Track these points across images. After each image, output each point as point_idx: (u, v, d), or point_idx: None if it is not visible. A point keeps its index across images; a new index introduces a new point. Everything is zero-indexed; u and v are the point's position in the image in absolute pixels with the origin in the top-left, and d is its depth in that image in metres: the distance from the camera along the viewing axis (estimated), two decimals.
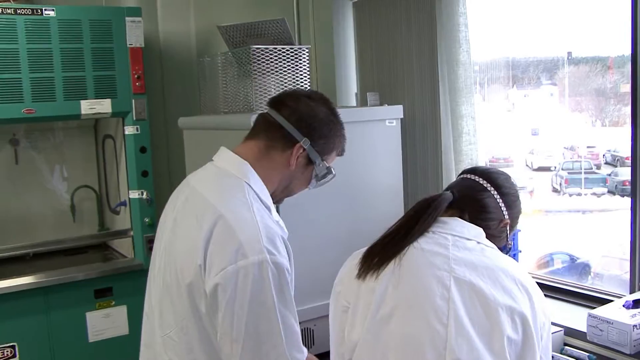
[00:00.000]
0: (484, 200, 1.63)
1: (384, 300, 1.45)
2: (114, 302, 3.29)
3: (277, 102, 1.74)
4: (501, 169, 1.79)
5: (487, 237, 1.58)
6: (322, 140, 1.72)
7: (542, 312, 1.48)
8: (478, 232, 1.57)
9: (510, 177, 1.73)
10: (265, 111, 1.76)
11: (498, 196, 1.65)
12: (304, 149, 1.69)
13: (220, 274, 1.50)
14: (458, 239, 1.51)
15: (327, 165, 1.76)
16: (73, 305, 3.20)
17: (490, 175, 1.68)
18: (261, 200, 1.65)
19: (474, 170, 1.73)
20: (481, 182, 1.66)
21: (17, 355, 3.06)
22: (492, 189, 1.65)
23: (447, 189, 1.66)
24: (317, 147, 1.71)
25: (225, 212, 1.56)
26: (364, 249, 1.61)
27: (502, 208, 1.64)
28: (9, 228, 3.60)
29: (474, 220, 1.59)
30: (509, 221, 1.66)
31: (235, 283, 1.50)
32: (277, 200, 1.79)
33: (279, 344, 1.54)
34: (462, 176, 1.73)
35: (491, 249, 1.55)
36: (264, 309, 1.52)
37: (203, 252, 1.54)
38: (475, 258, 1.48)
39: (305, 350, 1.65)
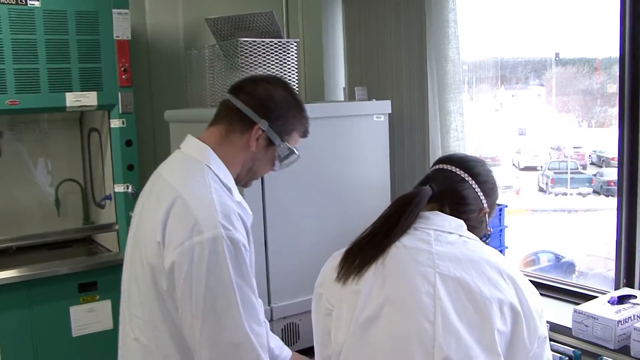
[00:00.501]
0: (463, 192, 1.61)
1: (369, 301, 1.42)
2: (98, 297, 3.26)
3: (235, 88, 1.81)
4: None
5: (468, 229, 1.56)
6: (279, 121, 1.77)
7: (534, 305, 1.45)
8: (459, 224, 1.55)
9: (485, 163, 1.70)
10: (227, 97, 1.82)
11: (476, 185, 1.62)
12: (263, 131, 1.74)
13: (177, 250, 1.56)
14: (440, 234, 1.49)
15: (289, 146, 1.80)
16: (57, 299, 3.16)
17: (467, 164, 1.65)
18: (221, 182, 1.70)
19: (449, 160, 1.68)
20: (458, 172, 1.62)
21: (0, 350, 3.02)
22: (470, 178, 1.62)
23: (424, 181, 1.63)
24: (275, 129, 1.76)
25: (183, 192, 1.63)
26: (344, 250, 1.57)
27: (481, 197, 1.62)
28: None
29: (454, 212, 1.57)
30: (487, 210, 1.64)
31: (191, 258, 1.55)
32: (244, 183, 1.86)
33: (236, 317, 1.58)
34: (438, 166, 1.68)
35: (474, 241, 1.53)
36: (221, 283, 1.56)
37: (161, 230, 1.60)
38: (459, 251, 1.46)
39: (264, 321, 1.71)
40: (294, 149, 1.82)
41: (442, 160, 1.70)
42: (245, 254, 1.62)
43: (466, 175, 1.62)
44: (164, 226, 1.60)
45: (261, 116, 1.74)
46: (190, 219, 1.58)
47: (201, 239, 1.55)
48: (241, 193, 1.81)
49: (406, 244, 1.47)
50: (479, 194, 1.62)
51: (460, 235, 1.52)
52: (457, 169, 1.63)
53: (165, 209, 1.62)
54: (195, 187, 1.65)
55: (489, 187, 1.65)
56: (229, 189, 1.72)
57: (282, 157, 1.80)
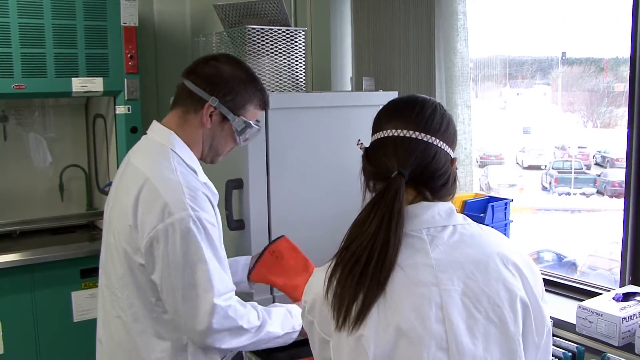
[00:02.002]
0: (435, 162, 1.33)
1: (378, 342, 1.23)
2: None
3: (187, 70, 1.88)
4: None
5: (446, 195, 1.36)
6: (229, 96, 1.81)
7: (539, 293, 1.35)
8: (448, 210, 1.34)
9: (429, 100, 1.41)
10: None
11: (442, 142, 1.35)
12: (215, 108, 1.80)
13: (152, 233, 1.66)
14: (434, 234, 1.30)
15: (245, 120, 1.85)
16: (59, 284, 3.17)
17: (426, 123, 1.34)
18: (186, 164, 1.78)
19: (402, 119, 1.35)
20: (421, 137, 1.32)
21: (1, 333, 3.03)
22: (435, 139, 1.33)
23: (387, 164, 1.32)
24: (226, 104, 1.81)
25: (151, 176, 1.72)
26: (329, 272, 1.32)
27: (448, 152, 1.36)
28: None
29: (434, 192, 1.34)
30: (455, 157, 1.40)
31: (165, 239, 1.66)
32: (210, 160, 1.92)
33: (209, 289, 1.69)
34: (390, 132, 1.34)
35: (469, 228, 1.34)
36: (194, 259, 1.67)
37: (133, 214, 1.70)
38: (459, 253, 1.28)
39: (232, 287, 1.79)
40: (251, 123, 1.87)
41: (389, 122, 1.36)
42: (212, 231, 1.71)
43: (430, 137, 1.33)
44: (134, 210, 1.70)
45: (210, 94, 1.80)
46: (159, 202, 1.67)
47: (172, 220, 1.65)
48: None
49: (402, 263, 1.25)
50: (446, 150, 1.36)
51: (454, 226, 1.32)
52: (419, 133, 1.32)
53: (135, 193, 1.71)
54: (162, 171, 1.73)
55: (451, 134, 1.39)
56: (194, 171, 1.80)
57: (240, 131, 1.85)
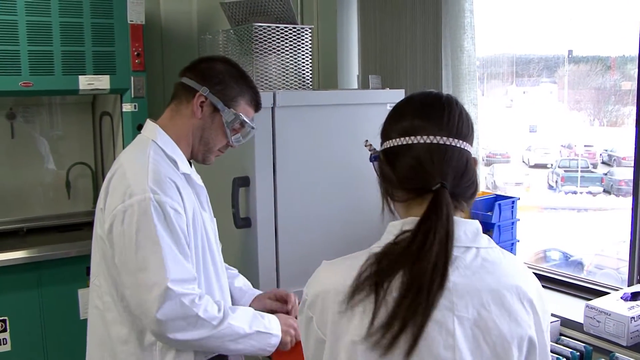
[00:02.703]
0: (468, 171, 1.25)
1: None
2: None
3: (182, 69, 1.94)
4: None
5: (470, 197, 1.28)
6: (219, 86, 1.86)
7: (547, 326, 1.29)
8: (475, 229, 1.25)
9: (454, 99, 1.31)
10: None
11: (470, 147, 1.27)
12: (205, 98, 1.85)
13: (112, 214, 1.70)
14: (457, 254, 1.20)
15: (235, 112, 1.88)
16: (65, 282, 3.17)
17: (457, 127, 1.25)
18: (165, 154, 1.82)
19: (433, 122, 1.24)
20: (454, 143, 1.23)
21: (8, 330, 3.04)
22: (465, 144, 1.25)
23: (422, 174, 1.22)
24: (217, 94, 1.86)
25: (124, 162, 1.80)
26: (347, 260, 1.26)
27: (472, 152, 1.29)
28: (4, 202, 3.58)
29: (468, 200, 1.27)
30: (476, 157, 1.31)
31: (122, 220, 1.68)
32: (201, 157, 1.93)
33: (162, 273, 1.66)
34: (422, 139, 1.22)
35: (491, 253, 1.26)
36: (147, 242, 1.67)
37: (103, 197, 1.77)
38: (478, 280, 1.20)
39: (193, 276, 1.74)
40: (243, 116, 1.89)
41: (417, 126, 1.24)
42: (174, 217, 1.71)
43: (461, 142, 1.24)
44: (105, 193, 1.77)
45: (201, 84, 1.86)
46: (124, 184, 1.72)
47: (132, 201, 1.68)
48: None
49: None
50: (472, 154, 1.28)
51: (477, 249, 1.23)
52: (449, 140, 1.23)
53: (108, 179, 1.80)
54: (134, 157, 1.81)
55: (473, 134, 1.30)
56: (174, 161, 1.82)
57: (229, 123, 1.87)
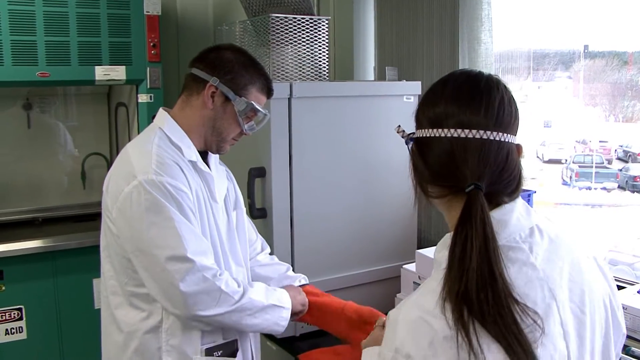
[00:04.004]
0: (509, 166, 1.13)
1: None
2: None
3: (192, 60, 1.93)
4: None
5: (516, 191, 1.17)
6: (229, 75, 1.85)
7: (612, 280, 1.25)
8: (525, 208, 1.18)
9: (495, 80, 1.18)
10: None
11: (513, 138, 1.15)
12: (216, 88, 1.84)
13: (119, 198, 1.70)
14: (528, 240, 1.13)
15: (247, 101, 1.86)
16: (80, 271, 3.19)
17: (497, 117, 1.13)
18: (171, 140, 1.81)
19: (469, 112, 1.12)
20: (493, 136, 1.11)
21: (24, 318, 3.06)
22: (508, 136, 1.13)
23: (454, 172, 1.11)
24: (227, 83, 1.84)
25: (129, 147, 1.83)
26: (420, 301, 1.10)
27: (514, 142, 1.16)
28: (20, 192, 3.61)
29: (511, 195, 1.16)
30: (520, 144, 1.18)
31: (130, 201, 1.68)
32: (215, 147, 1.92)
33: (180, 246, 1.66)
34: (455, 132, 1.11)
35: (550, 225, 1.19)
36: (159, 218, 1.67)
37: (107, 180, 1.80)
38: (556, 257, 1.14)
39: (210, 249, 1.76)
40: (255, 105, 1.87)
41: (451, 114, 1.12)
42: (180, 195, 1.71)
43: (501, 134, 1.12)
44: (109, 177, 1.80)
45: (211, 74, 1.84)
46: (127, 166, 1.73)
47: (136, 182, 1.68)
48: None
49: (515, 283, 1.06)
50: (515, 144, 1.16)
51: (537, 227, 1.16)
52: (487, 133, 1.10)
53: (114, 163, 1.83)
54: (139, 143, 1.83)
55: (519, 120, 1.17)
56: (179, 148, 1.82)
57: (241, 112, 1.86)
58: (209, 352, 1.82)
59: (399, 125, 1.26)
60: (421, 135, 1.16)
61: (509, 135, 1.13)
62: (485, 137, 1.10)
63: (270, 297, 1.85)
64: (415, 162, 1.19)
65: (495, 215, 1.11)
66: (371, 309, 2.03)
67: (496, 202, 1.14)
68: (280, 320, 1.87)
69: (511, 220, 1.12)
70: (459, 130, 1.10)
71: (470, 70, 1.21)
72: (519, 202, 1.16)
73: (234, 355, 1.87)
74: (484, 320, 1.02)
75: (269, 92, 1.95)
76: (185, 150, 1.83)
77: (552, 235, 1.17)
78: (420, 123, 1.18)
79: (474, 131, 1.10)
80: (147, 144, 1.78)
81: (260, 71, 1.92)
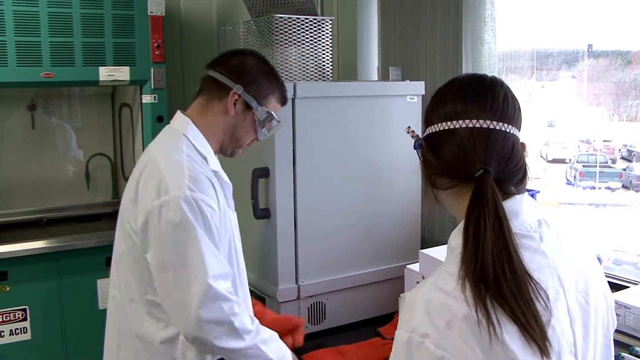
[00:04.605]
0: (515, 156, 1.19)
1: None
2: None
3: (211, 62, 1.93)
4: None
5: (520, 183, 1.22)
6: (253, 85, 1.86)
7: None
8: (531, 201, 1.22)
9: (499, 80, 1.25)
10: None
11: (517, 131, 1.21)
12: (239, 96, 1.84)
13: (148, 209, 1.68)
14: (538, 230, 1.18)
15: (267, 110, 1.88)
16: (84, 272, 3.20)
17: (502, 110, 1.19)
18: (197, 150, 1.80)
19: (476, 105, 1.19)
20: (499, 127, 1.17)
21: (28, 319, 3.07)
22: (512, 128, 1.19)
23: (464, 160, 1.17)
24: (250, 92, 1.85)
25: (157, 155, 1.77)
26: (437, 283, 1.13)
27: (518, 135, 1.22)
28: (24, 193, 3.61)
29: (517, 186, 1.21)
30: (524, 142, 1.25)
31: (159, 215, 1.66)
32: (230, 152, 1.94)
33: (202, 268, 1.66)
34: (464, 123, 1.17)
35: (553, 219, 1.23)
36: (186, 237, 1.66)
37: (134, 188, 1.75)
38: (563, 247, 1.19)
39: (229, 271, 1.75)
40: (273, 114, 1.90)
41: (459, 110, 1.19)
42: (209, 214, 1.70)
43: (506, 125, 1.18)
44: (136, 185, 1.75)
45: (236, 82, 1.84)
46: (157, 177, 1.70)
47: (167, 197, 1.66)
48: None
49: (531, 266, 1.10)
50: (519, 138, 1.22)
51: (544, 219, 1.21)
52: (494, 123, 1.17)
53: (140, 170, 1.77)
54: (168, 151, 1.78)
55: (522, 118, 1.24)
56: (205, 158, 1.81)
57: (261, 121, 1.88)
58: None
59: (409, 127, 1.33)
60: (431, 131, 1.22)
61: (513, 128, 1.19)
62: (491, 126, 1.16)
63: (277, 352, 1.81)
64: (426, 157, 1.24)
65: (507, 205, 1.14)
66: (288, 317, 2.12)
67: (504, 190, 1.18)
68: None
69: (522, 211, 1.17)
70: (467, 121, 1.17)
71: (474, 73, 1.31)
72: (527, 196, 1.21)
73: None
74: (501, 296, 1.05)
75: (284, 101, 1.98)
76: (210, 160, 1.82)
77: (556, 227, 1.21)
78: (430, 122, 1.24)
79: (480, 121, 1.16)
80: (176, 152, 1.75)
81: (279, 80, 1.94)
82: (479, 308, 1.05)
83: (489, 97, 1.19)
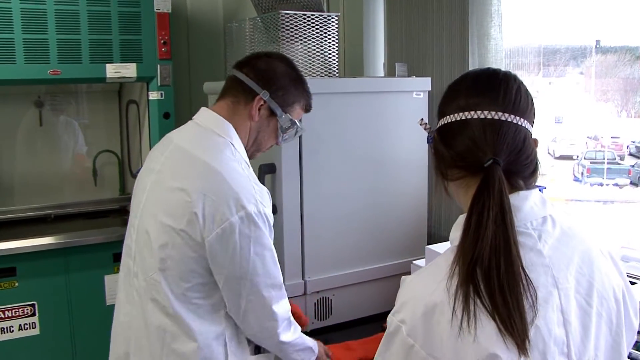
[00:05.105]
0: (527, 149, 1.19)
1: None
2: None
3: (239, 63, 1.91)
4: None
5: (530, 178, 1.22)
6: (280, 91, 1.85)
7: (623, 269, 1.27)
8: (541, 197, 1.21)
9: (513, 75, 1.26)
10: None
11: (529, 125, 1.21)
12: (265, 101, 1.83)
13: (224, 225, 1.68)
14: (538, 227, 1.17)
15: (291, 118, 1.88)
16: (92, 268, 3.21)
17: (514, 103, 1.20)
18: (244, 159, 1.82)
19: (488, 98, 1.19)
20: (510, 119, 1.18)
21: (37, 314, 3.09)
22: (524, 121, 1.20)
23: (475, 150, 1.17)
24: (276, 99, 1.85)
25: (219, 168, 1.73)
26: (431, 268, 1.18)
27: (531, 131, 1.22)
28: (32, 189, 3.63)
29: (527, 180, 1.21)
30: (536, 138, 1.25)
31: (239, 231, 1.69)
32: (250, 155, 1.92)
33: (276, 276, 1.79)
34: (475, 114, 1.18)
35: (564, 217, 1.22)
36: (263, 249, 1.74)
37: (201, 202, 1.68)
38: (566, 247, 1.18)
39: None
40: (297, 122, 1.90)
41: (472, 102, 1.20)
42: (272, 224, 1.79)
43: (518, 118, 1.19)
44: (202, 198, 1.69)
45: (262, 87, 1.83)
46: (232, 195, 1.69)
47: (244, 213, 1.69)
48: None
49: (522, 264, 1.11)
50: (531, 132, 1.22)
51: (551, 217, 1.20)
52: (505, 115, 1.18)
53: (202, 182, 1.71)
54: (229, 164, 1.75)
55: (534, 113, 1.24)
56: (249, 165, 1.83)
57: (285, 129, 1.89)
58: (256, 350, 1.92)
59: (422, 119, 1.34)
60: (444, 123, 1.23)
61: (525, 121, 1.20)
62: (503, 118, 1.17)
63: (308, 340, 1.98)
64: (437, 148, 1.25)
65: (510, 200, 1.13)
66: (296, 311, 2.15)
67: (513, 183, 1.18)
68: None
69: (524, 207, 1.16)
70: (479, 112, 1.18)
71: (488, 67, 1.31)
72: (535, 192, 1.20)
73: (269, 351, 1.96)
74: (488, 289, 1.06)
75: (309, 109, 1.98)
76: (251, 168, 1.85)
77: (564, 227, 1.20)
78: (442, 114, 1.25)
79: (492, 112, 1.17)
80: (235, 163, 1.76)
81: (305, 87, 1.94)
82: (457, 297, 1.06)
83: (502, 89, 1.20)
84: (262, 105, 1.83)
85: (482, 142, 1.16)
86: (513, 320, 1.04)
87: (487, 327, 1.05)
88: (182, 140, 1.86)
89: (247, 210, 1.69)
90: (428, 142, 1.29)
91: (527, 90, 1.24)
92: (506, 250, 1.08)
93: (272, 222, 1.79)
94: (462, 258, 1.09)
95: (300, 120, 1.95)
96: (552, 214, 1.20)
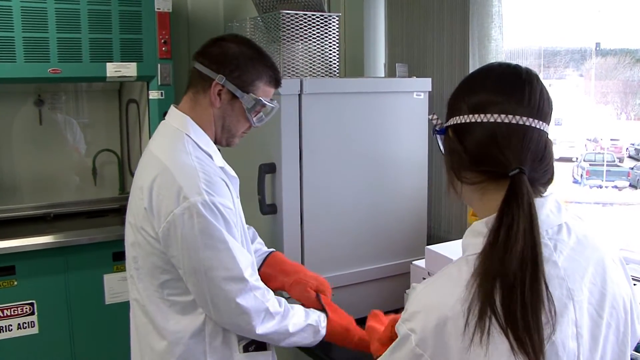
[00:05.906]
0: (547, 155, 1.15)
1: None
2: None
3: (195, 53, 1.88)
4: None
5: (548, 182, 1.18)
6: (236, 72, 1.80)
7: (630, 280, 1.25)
8: (557, 204, 1.17)
9: (534, 74, 1.20)
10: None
11: (549, 128, 1.16)
12: (223, 86, 1.79)
13: (169, 218, 1.67)
14: (554, 237, 1.14)
15: (255, 97, 1.82)
16: (91, 267, 3.21)
17: (538, 107, 1.14)
18: (201, 149, 1.79)
19: (513, 100, 1.14)
20: (534, 124, 1.12)
21: (36, 313, 3.09)
22: (546, 126, 1.15)
23: (498, 156, 1.12)
24: (234, 81, 1.80)
25: (166, 161, 1.73)
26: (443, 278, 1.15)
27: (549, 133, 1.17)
28: (31, 188, 3.63)
29: (545, 186, 1.17)
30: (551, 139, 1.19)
31: (182, 223, 1.66)
32: (225, 142, 1.91)
33: (235, 267, 1.71)
34: (499, 118, 1.12)
35: (580, 225, 1.19)
36: (213, 241, 1.68)
37: (148, 197, 1.70)
38: (580, 257, 1.14)
39: (255, 271, 1.80)
40: (262, 99, 1.84)
41: (494, 102, 1.14)
42: (228, 214, 1.72)
43: (541, 123, 1.14)
44: (150, 193, 1.70)
45: (217, 71, 1.79)
46: (175, 187, 1.68)
47: (188, 204, 1.66)
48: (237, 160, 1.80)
49: None
50: (550, 135, 1.17)
51: (567, 225, 1.17)
52: (530, 120, 1.12)
53: (151, 176, 1.72)
54: (177, 156, 1.74)
55: (551, 117, 1.18)
56: (210, 155, 1.80)
57: (250, 109, 1.83)
58: (245, 348, 1.86)
59: (434, 113, 1.26)
60: (462, 121, 1.17)
61: (547, 126, 1.15)
62: (528, 124, 1.12)
63: (310, 316, 1.90)
64: (453, 148, 1.19)
65: None
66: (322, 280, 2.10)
67: (534, 190, 1.13)
68: (313, 343, 1.91)
69: (540, 216, 1.10)
70: (503, 116, 1.12)
71: (508, 62, 1.23)
72: (551, 198, 1.17)
73: (266, 348, 1.90)
74: (511, 303, 1.02)
75: (277, 83, 1.90)
76: (215, 158, 1.82)
77: (579, 235, 1.17)
78: (458, 110, 1.19)
79: (517, 117, 1.12)
80: (184, 154, 1.74)
81: (266, 63, 1.87)
82: (472, 312, 1.03)
83: (527, 91, 1.14)
84: (220, 90, 1.80)
85: (507, 148, 1.11)
86: (529, 338, 1.01)
87: (499, 344, 1.03)
88: (151, 141, 1.90)
89: (190, 200, 1.66)
90: (436, 134, 1.23)
91: (547, 91, 1.18)
92: (533, 265, 1.03)
93: (231, 212, 1.74)
94: (483, 272, 1.05)
95: (272, 100, 1.88)
96: (567, 221, 1.17)
